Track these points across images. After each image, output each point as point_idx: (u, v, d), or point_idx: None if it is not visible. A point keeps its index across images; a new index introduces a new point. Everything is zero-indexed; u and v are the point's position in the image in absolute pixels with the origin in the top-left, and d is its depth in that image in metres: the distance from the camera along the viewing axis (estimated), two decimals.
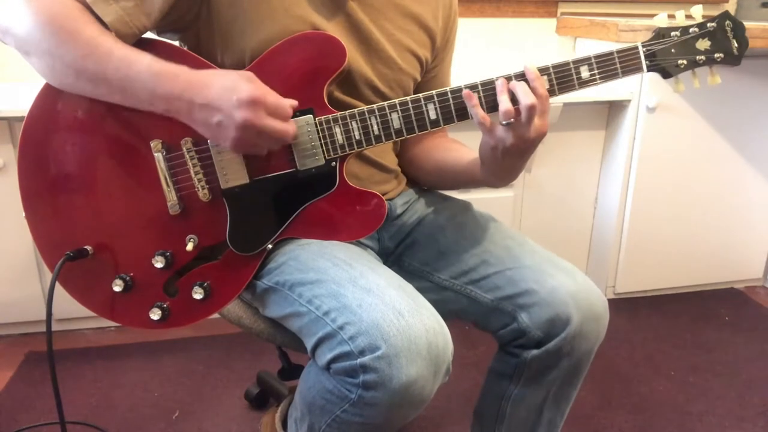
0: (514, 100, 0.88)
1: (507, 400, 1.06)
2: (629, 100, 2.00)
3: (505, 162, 0.94)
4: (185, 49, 0.98)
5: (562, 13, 2.27)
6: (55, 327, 1.92)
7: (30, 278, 1.84)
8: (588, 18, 2.11)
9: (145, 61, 0.85)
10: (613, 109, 2.09)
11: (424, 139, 1.15)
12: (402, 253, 1.11)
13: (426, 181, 1.19)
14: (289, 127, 0.89)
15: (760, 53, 1.99)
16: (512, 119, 0.87)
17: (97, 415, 1.56)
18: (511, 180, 1.00)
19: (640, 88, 1.98)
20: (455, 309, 1.04)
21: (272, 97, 0.87)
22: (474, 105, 0.89)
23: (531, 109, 0.86)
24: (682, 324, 2.07)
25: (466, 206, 1.14)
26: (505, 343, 1.04)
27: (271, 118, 0.86)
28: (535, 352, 0.99)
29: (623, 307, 2.17)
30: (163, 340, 1.88)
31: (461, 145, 1.13)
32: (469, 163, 1.04)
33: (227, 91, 0.84)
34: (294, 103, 0.90)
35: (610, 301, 2.19)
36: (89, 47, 0.84)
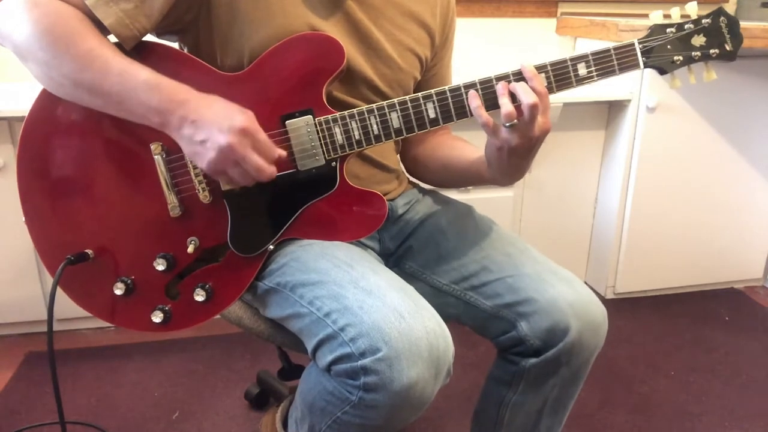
0: (514, 99, 0.88)
1: (505, 407, 1.06)
2: (629, 100, 2.00)
3: (512, 161, 0.94)
4: (185, 51, 0.99)
5: (562, 13, 2.27)
6: (55, 327, 1.90)
7: (30, 278, 1.84)
8: (588, 18, 2.11)
9: (143, 75, 0.86)
10: (613, 109, 2.09)
11: (427, 138, 1.15)
12: (402, 255, 1.11)
13: (432, 180, 1.19)
14: (269, 168, 0.88)
15: (760, 53, 1.99)
16: (515, 120, 0.87)
17: (97, 415, 1.56)
18: (519, 178, 1.00)
19: (640, 88, 1.98)
20: (454, 314, 1.04)
21: (264, 136, 0.88)
22: (478, 107, 0.89)
23: (533, 108, 0.86)
24: (682, 324, 2.07)
25: (468, 210, 1.14)
26: (504, 350, 1.04)
27: (255, 154, 0.87)
28: (533, 360, 0.99)
29: (623, 307, 2.17)
30: (163, 340, 1.88)
31: (465, 143, 1.13)
32: (475, 161, 1.04)
33: (222, 117, 0.85)
34: (283, 153, 0.91)
35: (610, 301, 2.19)
36: (87, 60, 0.85)
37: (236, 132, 0.84)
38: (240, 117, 0.85)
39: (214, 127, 0.84)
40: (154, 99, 0.85)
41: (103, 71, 0.85)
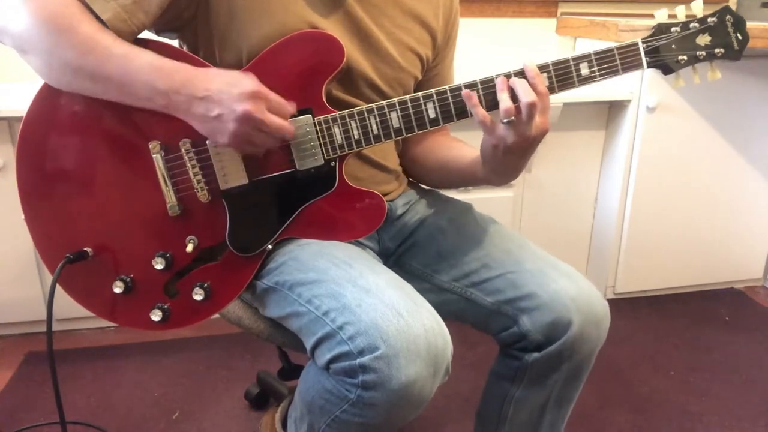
0: (514, 98, 0.88)
1: (509, 403, 1.06)
2: (629, 100, 2.00)
3: (507, 160, 0.94)
4: (184, 49, 0.99)
5: (562, 13, 2.27)
6: (55, 327, 1.91)
7: (30, 278, 1.84)
8: (588, 18, 2.11)
9: (145, 57, 0.86)
10: (613, 109, 2.09)
11: (426, 138, 1.15)
12: (402, 254, 1.11)
13: (428, 180, 1.19)
14: (289, 126, 0.89)
15: (760, 53, 1.99)
16: (513, 117, 0.87)
17: (97, 415, 1.56)
18: (513, 178, 1.00)
19: (641, 88, 1.98)
20: (455, 311, 1.04)
21: (274, 94, 0.88)
22: (474, 104, 0.89)
23: (531, 107, 0.86)
24: (682, 324, 2.07)
25: (467, 208, 1.14)
26: (506, 346, 1.04)
27: (272, 114, 0.86)
28: (536, 355, 0.99)
29: (623, 307, 2.17)
30: (163, 340, 1.88)
31: (463, 144, 1.13)
32: (472, 161, 1.04)
33: (229, 85, 0.84)
34: (294, 106, 0.91)
35: (610, 301, 2.19)
36: (88, 45, 0.84)
37: (249, 97, 0.84)
38: (246, 81, 0.85)
39: (225, 98, 0.84)
40: (158, 81, 0.85)
41: (105, 55, 0.84)
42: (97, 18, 0.87)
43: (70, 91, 0.90)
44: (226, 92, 0.84)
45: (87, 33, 0.85)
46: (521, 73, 0.89)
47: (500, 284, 1.00)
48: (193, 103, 0.85)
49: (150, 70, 0.85)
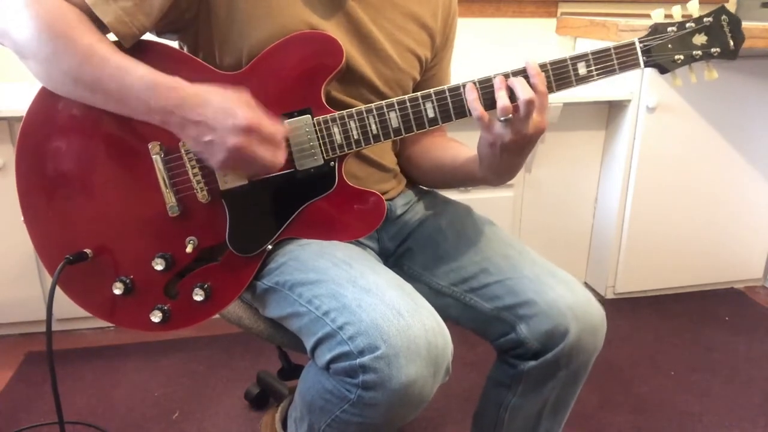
0: (512, 96, 0.88)
1: (505, 409, 1.05)
2: (629, 100, 2.00)
3: (504, 159, 0.94)
4: (184, 51, 0.99)
5: (562, 13, 2.27)
6: (54, 327, 1.92)
7: (30, 278, 1.84)
8: (588, 18, 2.11)
9: (138, 71, 0.85)
10: (613, 109, 2.09)
11: (422, 138, 1.15)
12: (402, 256, 1.11)
13: (424, 180, 1.19)
14: (279, 156, 0.89)
15: (760, 53, 1.99)
16: (510, 115, 0.87)
17: (97, 415, 1.56)
18: (509, 178, 1.00)
19: (640, 88, 1.98)
20: (454, 315, 1.04)
21: (267, 124, 0.87)
22: (474, 99, 0.89)
23: (529, 105, 0.86)
24: (682, 324, 2.07)
25: (466, 211, 1.14)
26: (503, 352, 1.04)
27: (263, 147, 0.87)
28: (532, 363, 0.99)
29: (623, 307, 2.17)
30: (163, 340, 1.89)
31: (459, 144, 1.13)
32: (467, 160, 1.04)
33: (223, 114, 0.84)
34: (287, 130, 0.91)
35: (610, 301, 2.19)
36: (86, 55, 0.84)
37: (241, 131, 0.84)
38: (241, 113, 0.84)
39: (218, 127, 0.84)
40: (152, 99, 0.85)
41: (101, 66, 0.84)
42: (99, 23, 0.87)
43: (71, 98, 0.90)
44: (220, 121, 0.84)
45: (86, 43, 0.84)
46: (521, 72, 0.89)
47: (499, 290, 1.00)
48: (187, 126, 0.85)
49: (143, 87, 0.84)
